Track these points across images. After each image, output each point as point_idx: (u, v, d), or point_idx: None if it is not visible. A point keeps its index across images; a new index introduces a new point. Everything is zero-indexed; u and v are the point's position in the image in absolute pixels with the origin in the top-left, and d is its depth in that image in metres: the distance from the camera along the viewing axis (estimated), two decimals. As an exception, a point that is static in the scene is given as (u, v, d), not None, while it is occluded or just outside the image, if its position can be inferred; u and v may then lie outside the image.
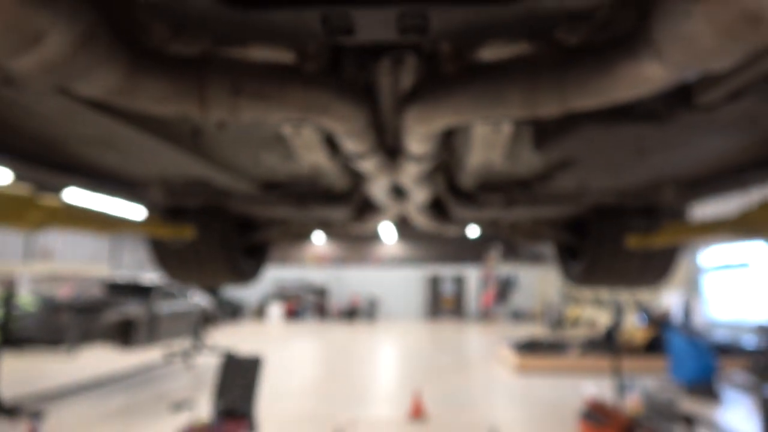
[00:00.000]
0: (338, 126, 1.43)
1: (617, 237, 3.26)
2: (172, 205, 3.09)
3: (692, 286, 16.57)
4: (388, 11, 1.04)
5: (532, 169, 2.34)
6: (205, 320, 14.23)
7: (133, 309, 10.63)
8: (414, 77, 1.54)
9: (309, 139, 1.78)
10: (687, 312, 16.47)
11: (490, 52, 1.33)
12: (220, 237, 3.49)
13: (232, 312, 25.68)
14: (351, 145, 1.66)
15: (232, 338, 17.32)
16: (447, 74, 1.28)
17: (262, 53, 1.30)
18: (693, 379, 9.91)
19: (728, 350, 12.30)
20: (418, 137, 1.55)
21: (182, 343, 12.54)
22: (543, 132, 1.63)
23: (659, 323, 13.29)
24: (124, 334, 10.52)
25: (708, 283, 16.35)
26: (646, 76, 1.03)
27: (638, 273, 3.43)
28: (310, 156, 1.92)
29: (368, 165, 1.92)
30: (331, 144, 1.80)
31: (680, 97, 1.27)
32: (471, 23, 1.08)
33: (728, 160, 2.01)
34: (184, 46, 1.21)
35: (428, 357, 14.31)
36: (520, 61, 1.20)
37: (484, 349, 15.84)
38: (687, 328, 13.17)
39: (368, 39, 1.15)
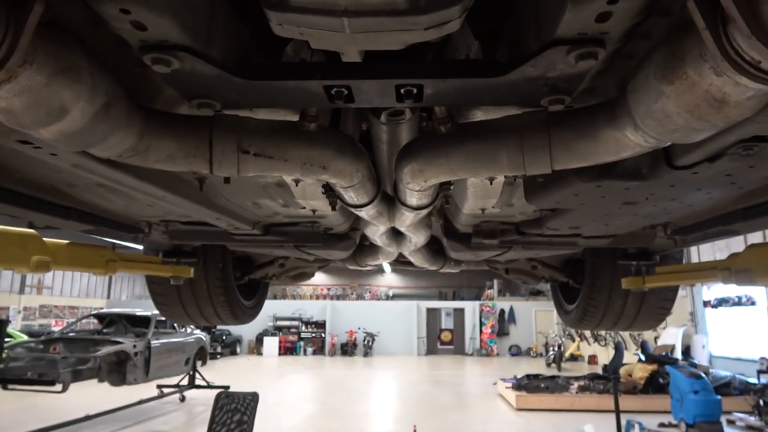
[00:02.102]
0: (338, 181, 1.50)
1: (612, 279, 3.31)
2: (173, 246, 3.14)
3: (694, 322, 16.45)
4: (387, 83, 1.12)
5: (525, 214, 2.40)
6: (202, 354, 14.05)
7: (128, 343, 10.46)
8: (411, 132, 1.62)
9: (310, 188, 1.85)
10: (688, 348, 16.32)
11: (483, 114, 1.40)
12: (220, 275, 3.52)
13: (228, 346, 25.34)
14: (350, 196, 1.73)
15: (228, 373, 17.08)
16: (441, 134, 1.36)
17: (267, 114, 1.37)
18: (697, 418, 9.70)
19: (730, 387, 12.12)
20: (414, 191, 1.62)
21: (178, 378, 12.36)
22: (534, 184, 1.70)
23: (659, 359, 13.13)
24: (119, 370, 10.34)
25: (710, 319, 16.24)
26: (627, 142, 1.10)
27: (634, 315, 3.46)
28: (311, 203, 1.98)
29: (367, 214, 1.98)
30: (332, 191, 1.87)
31: (662, 157, 1.34)
32: (462, 91, 1.15)
33: (717, 208, 2.08)
34: (195, 110, 1.28)
35: (426, 393, 14.11)
36: (511, 122, 1.27)
37: (483, 386, 15.63)
38: (689, 364, 13.00)
39: (365, 105, 1.22)
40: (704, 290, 15.91)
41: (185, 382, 12.31)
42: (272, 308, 27.19)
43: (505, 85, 1.11)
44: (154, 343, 11.19)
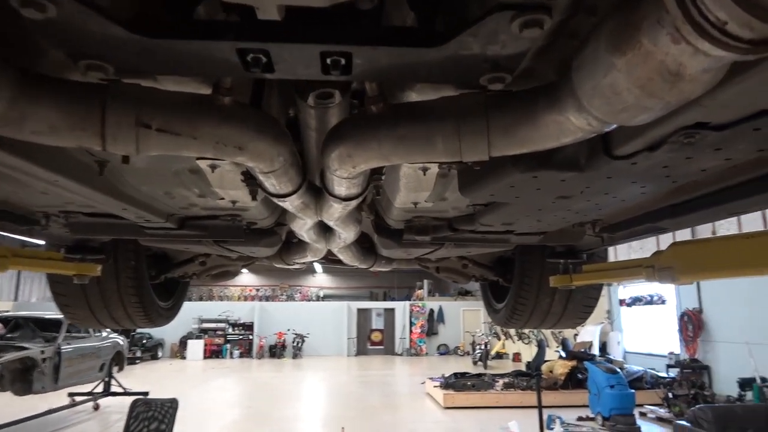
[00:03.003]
0: (257, 164, 1.35)
1: (541, 277, 3.33)
2: (77, 241, 2.84)
3: (611, 320, 17.31)
4: (310, 49, 0.99)
5: (458, 209, 2.34)
6: (119, 359, 13.27)
7: (35, 349, 9.67)
8: (341, 118, 1.49)
9: (228, 175, 1.68)
10: (604, 344, 17.18)
11: (417, 95, 1.30)
12: (132, 274, 3.24)
13: (149, 350, 24.16)
14: (272, 184, 1.57)
15: (149, 378, 16.25)
16: (372, 115, 1.24)
17: (175, 85, 1.20)
18: (612, 411, 10.18)
19: (643, 381, 12.82)
20: (343, 178, 1.49)
21: (92, 386, 11.56)
22: (468, 176, 1.62)
23: (578, 356, 13.70)
24: (24, 378, 9.55)
25: (625, 317, 17.14)
26: (568, 126, 1.03)
27: (560, 313, 3.50)
28: (230, 193, 1.81)
29: (291, 205, 1.83)
30: (253, 178, 1.69)
31: (600, 147, 1.29)
32: (396, 65, 1.04)
33: (644, 205, 2.09)
34: (83, 74, 1.09)
35: (356, 394, 14.01)
36: (447, 104, 1.18)
37: (412, 385, 15.72)
38: (606, 360, 13.65)
39: (289, 77, 1.08)
40: (620, 289, 16.78)
41: (100, 389, 11.54)
42: (198, 310, 26.19)
43: (442, 60, 1.01)
44: (65, 348, 10.41)
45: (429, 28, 1.08)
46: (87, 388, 11.26)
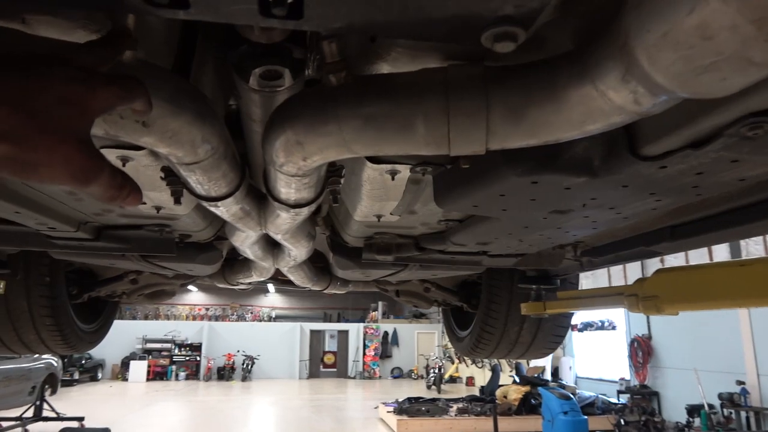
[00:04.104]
0: (172, 151, 1.00)
1: (510, 304, 3.06)
2: (-26, 251, 2.39)
3: (563, 345, 17.39)
4: None
5: (427, 225, 2.03)
6: (52, 382, 12.32)
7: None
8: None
9: (145, 172, 1.33)
10: (556, 369, 17.22)
11: (390, 66, 0.99)
12: (47, 292, 2.79)
13: (88, 371, 22.76)
14: (198, 181, 1.22)
15: (86, 402, 15.19)
16: (331, 88, 0.92)
17: (54, 31, 0.86)
18: (566, 438, 10.08)
19: (594, 406, 12.82)
20: (291, 176, 1.16)
21: (22, 410, 10.61)
22: (446, 181, 1.31)
23: (532, 381, 13.62)
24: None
25: (576, 342, 17.25)
26: (603, 106, 0.74)
27: (529, 343, 3.23)
28: (150, 195, 1.45)
29: (228, 212, 1.49)
30: (175, 176, 1.33)
31: (623, 143, 1.01)
32: (363, 11, 0.73)
33: (637, 226, 1.85)
34: None
35: (307, 419, 13.44)
36: (432, 75, 0.87)
37: (365, 410, 15.26)
38: (558, 385, 13.61)
39: (212, 18, 0.75)
40: (572, 315, 16.91)
41: (30, 413, 10.62)
42: (142, 329, 24.98)
43: (429, 5, 0.71)
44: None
45: None
46: (17, 412, 10.31)
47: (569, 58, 0.79)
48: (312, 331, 26.75)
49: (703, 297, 2.18)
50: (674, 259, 10.04)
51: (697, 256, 10.72)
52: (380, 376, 25.88)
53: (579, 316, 16.80)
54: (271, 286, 26.32)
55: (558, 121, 0.81)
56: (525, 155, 1.07)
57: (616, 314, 15.28)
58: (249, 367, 24.42)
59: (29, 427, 10.49)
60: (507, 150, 1.01)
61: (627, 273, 13.68)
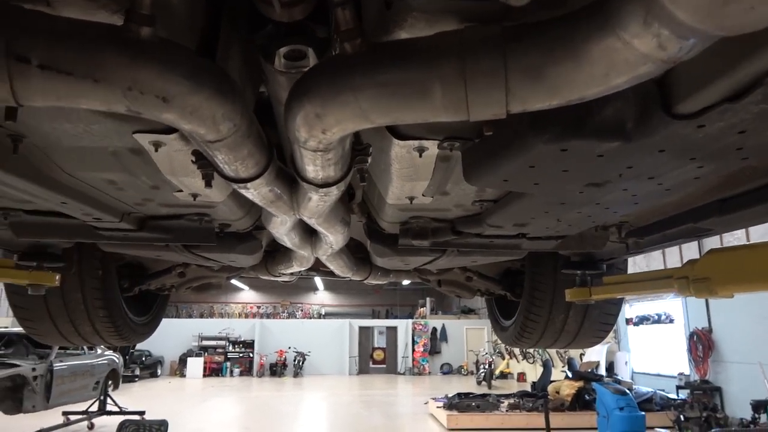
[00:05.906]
0: (194, 127, 1.02)
1: (554, 291, 2.98)
2: (31, 246, 2.51)
3: (617, 339, 16.87)
4: None
5: (462, 207, 1.99)
6: (114, 377, 12.87)
7: (26, 366, 9.29)
8: None
9: (177, 156, 1.36)
10: (611, 364, 16.70)
11: (407, 33, 0.98)
12: (99, 284, 2.91)
13: (148, 368, 23.67)
14: (225, 161, 1.24)
15: (146, 397, 15.82)
16: (347, 57, 0.91)
17: (77, 11, 0.88)
18: (622, 434, 9.76)
19: (652, 402, 12.39)
20: (315, 152, 1.16)
21: (86, 405, 11.14)
22: (475, 155, 1.28)
23: (585, 376, 13.27)
24: (14, 396, 9.18)
25: (632, 336, 16.69)
26: (628, 56, 0.70)
27: (576, 331, 3.14)
28: (184, 181, 1.48)
29: (259, 194, 1.50)
30: (204, 159, 1.35)
31: (656, 101, 0.95)
32: None
33: (682, 202, 1.76)
34: None
35: (357, 415, 13.56)
36: (447, 39, 0.85)
37: (415, 406, 15.25)
38: (614, 380, 13.21)
39: None
40: (626, 308, 16.33)
41: (95, 407, 11.13)
42: (198, 327, 25.83)
43: None
44: (58, 365, 10.04)
45: None
46: (82, 406, 10.82)
47: (589, 10, 0.75)
48: (361, 328, 26.93)
49: (760, 277, 2.06)
50: (736, 241, 9.45)
51: (758, 236, 9.99)
52: (430, 372, 25.80)
53: (634, 310, 16.24)
54: (320, 283, 26.70)
55: (581, 77, 0.78)
56: (552, 121, 1.03)
57: (674, 307, 14.69)
58: (300, 363, 24.82)
59: (94, 420, 11.02)
60: (533, 118, 0.99)
61: (684, 257, 13.07)
